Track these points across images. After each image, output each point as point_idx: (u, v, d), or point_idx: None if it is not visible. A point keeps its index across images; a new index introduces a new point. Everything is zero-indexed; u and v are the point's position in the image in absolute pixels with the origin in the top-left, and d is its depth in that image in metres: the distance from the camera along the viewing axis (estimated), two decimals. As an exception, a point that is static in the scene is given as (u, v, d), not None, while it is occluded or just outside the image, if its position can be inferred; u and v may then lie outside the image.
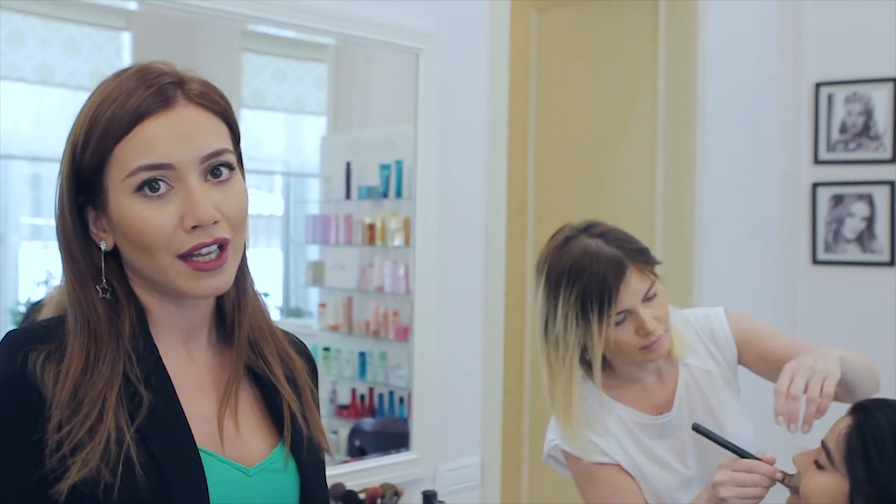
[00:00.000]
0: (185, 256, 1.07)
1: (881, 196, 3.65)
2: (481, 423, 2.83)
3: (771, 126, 3.80)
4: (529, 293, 1.87)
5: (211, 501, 1.07)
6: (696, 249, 3.41)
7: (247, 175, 1.18)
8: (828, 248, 3.76)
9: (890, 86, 3.64)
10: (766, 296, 3.71)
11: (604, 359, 1.81)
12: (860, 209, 3.69)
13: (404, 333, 2.80)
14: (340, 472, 2.44)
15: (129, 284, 1.13)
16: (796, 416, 1.56)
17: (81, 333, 1.07)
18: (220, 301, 1.19)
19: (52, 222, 1.13)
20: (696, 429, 1.73)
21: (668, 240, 3.44)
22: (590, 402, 1.84)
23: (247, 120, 2.99)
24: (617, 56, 3.60)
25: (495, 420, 2.86)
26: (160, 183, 1.06)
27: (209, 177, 1.09)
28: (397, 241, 2.92)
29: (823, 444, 1.57)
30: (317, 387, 1.30)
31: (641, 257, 1.76)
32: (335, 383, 3.08)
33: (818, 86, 3.78)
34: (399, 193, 2.90)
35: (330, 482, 1.82)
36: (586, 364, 1.83)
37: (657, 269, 1.80)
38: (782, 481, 1.63)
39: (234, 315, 1.18)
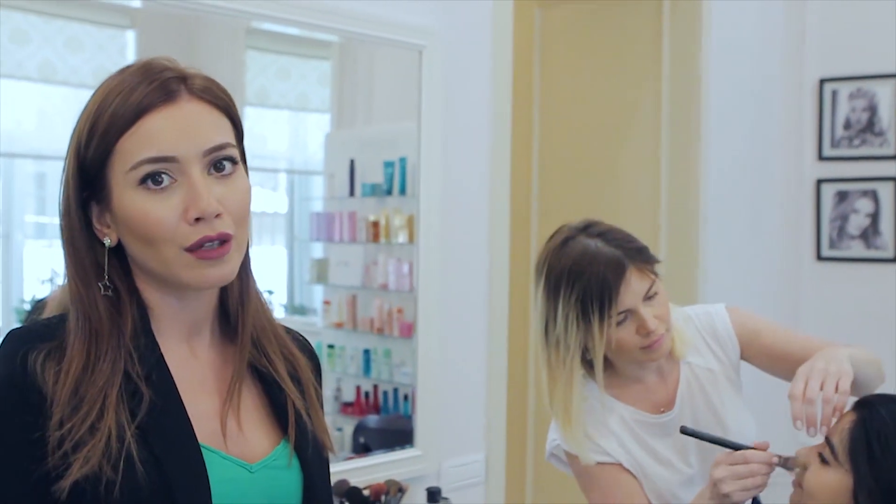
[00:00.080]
0: (191, 249, 1.07)
1: (886, 192, 3.65)
2: (485, 420, 2.83)
3: (775, 122, 3.80)
4: (533, 290, 1.85)
5: (213, 498, 1.07)
6: (700, 246, 3.41)
7: (251, 173, 1.18)
8: (832, 245, 3.76)
9: (894, 82, 3.63)
10: (770, 293, 3.71)
11: (605, 358, 1.80)
12: (864, 205, 3.69)
13: (408, 330, 2.80)
14: (345, 469, 2.44)
15: (131, 282, 1.13)
16: (815, 419, 1.55)
17: (82, 331, 1.07)
18: (223, 298, 1.19)
19: (57, 220, 1.13)
20: (684, 431, 1.73)
21: (672, 236, 3.44)
22: (591, 402, 1.84)
23: (251, 118, 2.99)
24: (620, 53, 3.60)
25: (499, 416, 2.86)
26: (163, 176, 1.07)
27: (212, 171, 1.09)
28: (401, 238, 2.92)
29: (827, 439, 1.57)
30: (320, 384, 1.30)
31: (641, 256, 1.75)
32: (340, 380, 3.09)
33: (822, 82, 3.77)
34: (403, 191, 2.90)
35: (334, 479, 1.83)
36: (587, 364, 1.82)
37: (657, 267, 1.79)
38: (783, 465, 1.63)
39: (237, 312, 1.19)
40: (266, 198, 3.24)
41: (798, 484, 1.61)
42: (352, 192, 3.12)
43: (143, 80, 1.08)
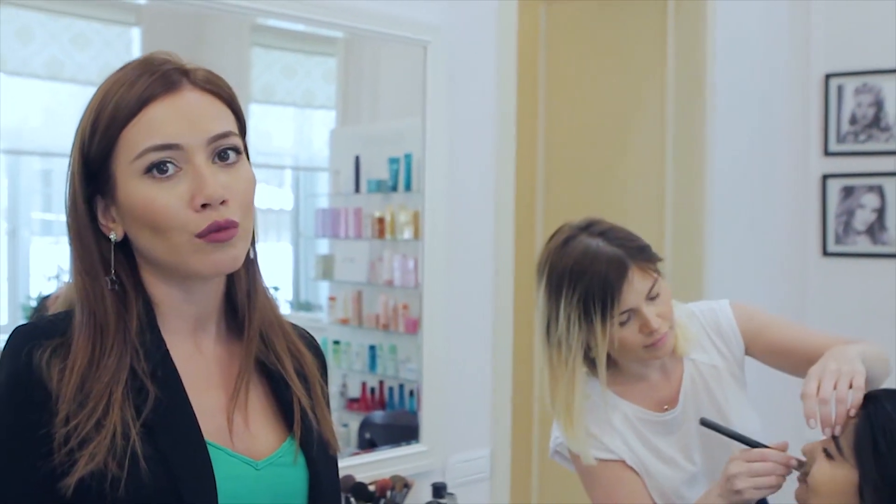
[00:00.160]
0: (202, 235, 1.07)
1: (892, 187, 3.64)
2: (491, 416, 2.83)
3: (780, 118, 3.79)
4: (535, 290, 1.85)
5: (219, 495, 1.07)
6: (705, 242, 3.41)
7: (256, 170, 1.17)
8: (838, 240, 3.75)
9: (900, 77, 3.62)
10: (776, 288, 3.70)
11: (608, 356, 1.79)
12: (870, 200, 3.68)
13: (414, 327, 2.80)
14: (351, 465, 2.45)
15: (137, 277, 1.13)
16: (830, 418, 1.55)
17: (88, 327, 1.08)
18: (230, 293, 1.19)
19: (63, 217, 1.13)
20: (704, 423, 1.72)
21: (678, 232, 3.44)
22: (594, 399, 1.83)
23: (256, 114, 2.99)
24: (625, 49, 3.60)
25: (505, 412, 2.86)
26: (168, 164, 1.07)
27: (216, 160, 1.10)
28: (407, 234, 2.92)
29: (832, 435, 1.57)
30: (326, 382, 1.29)
31: (643, 255, 1.74)
32: (345, 376, 3.09)
33: (828, 77, 3.76)
34: (408, 187, 2.90)
35: (340, 474, 1.83)
36: (590, 362, 1.82)
37: (659, 265, 1.78)
38: (797, 468, 1.62)
39: (244, 307, 1.18)
40: (271, 194, 3.24)
41: (803, 479, 1.60)
42: (357, 189, 3.12)
43: (145, 73, 1.09)
